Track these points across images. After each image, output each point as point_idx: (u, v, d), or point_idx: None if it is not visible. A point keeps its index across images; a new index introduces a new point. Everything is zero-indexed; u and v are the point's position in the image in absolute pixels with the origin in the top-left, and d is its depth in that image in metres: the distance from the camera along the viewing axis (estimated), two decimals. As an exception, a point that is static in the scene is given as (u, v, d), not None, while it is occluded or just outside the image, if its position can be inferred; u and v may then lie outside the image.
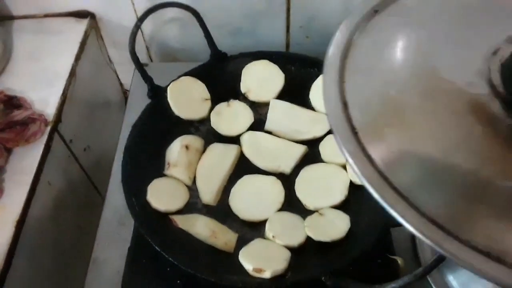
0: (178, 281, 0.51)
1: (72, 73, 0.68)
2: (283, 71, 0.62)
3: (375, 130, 0.31)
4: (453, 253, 0.26)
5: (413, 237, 0.54)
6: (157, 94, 0.58)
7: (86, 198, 0.73)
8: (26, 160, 0.59)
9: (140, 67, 0.57)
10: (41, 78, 0.67)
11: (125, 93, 0.89)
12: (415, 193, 0.28)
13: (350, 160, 0.30)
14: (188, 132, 0.60)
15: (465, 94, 0.31)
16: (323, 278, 0.44)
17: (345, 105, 0.32)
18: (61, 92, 0.66)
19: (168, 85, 0.59)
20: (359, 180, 0.30)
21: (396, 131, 0.31)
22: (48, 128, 0.61)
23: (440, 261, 0.36)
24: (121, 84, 0.88)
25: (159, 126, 0.58)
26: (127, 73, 0.85)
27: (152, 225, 0.48)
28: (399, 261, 0.52)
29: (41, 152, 0.59)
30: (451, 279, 0.51)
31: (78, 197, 0.70)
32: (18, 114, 0.60)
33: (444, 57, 0.34)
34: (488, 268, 0.26)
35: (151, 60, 0.82)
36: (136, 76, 0.74)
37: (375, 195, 0.28)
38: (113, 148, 0.82)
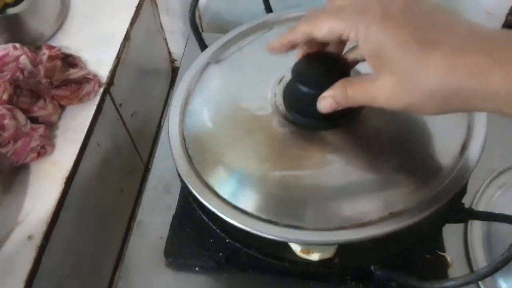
0: (221, 254, 0.51)
1: (127, 37, 0.68)
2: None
3: (202, 154, 0.43)
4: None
5: (465, 235, 0.52)
6: (213, 64, 0.57)
7: (129, 162, 0.73)
8: (78, 119, 0.59)
9: (198, 35, 0.56)
10: (96, 39, 0.67)
11: (172, 62, 0.89)
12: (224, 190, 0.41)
13: (186, 182, 0.42)
14: (240, 106, 0.59)
15: (256, 117, 0.43)
16: (372, 267, 0.43)
17: (184, 139, 0.45)
18: (115, 54, 0.66)
19: (225, 56, 0.58)
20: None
21: (214, 152, 0.43)
22: (101, 90, 0.62)
23: (507, 261, 0.34)
24: (169, 53, 0.88)
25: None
26: (176, 42, 0.85)
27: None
28: (448, 258, 0.50)
29: (93, 113, 0.59)
30: (501, 281, 0.49)
31: (122, 161, 0.71)
32: (74, 73, 0.60)
33: (246, 92, 0.46)
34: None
35: (202, 30, 0.81)
36: (189, 45, 0.74)
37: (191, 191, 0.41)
38: (156, 116, 0.82)
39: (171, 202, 0.55)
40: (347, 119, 0.41)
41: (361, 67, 0.41)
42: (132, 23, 0.70)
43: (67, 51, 0.64)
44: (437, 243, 0.51)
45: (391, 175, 0.39)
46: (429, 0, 0.31)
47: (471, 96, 0.27)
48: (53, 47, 0.61)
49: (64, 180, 0.54)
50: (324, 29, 0.32)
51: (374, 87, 0.31)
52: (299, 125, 0.41)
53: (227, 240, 0.48)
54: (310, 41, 0.34)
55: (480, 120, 0.43)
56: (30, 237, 0.50)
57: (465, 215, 0.44)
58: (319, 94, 0.36)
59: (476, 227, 0.52)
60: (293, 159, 0.40)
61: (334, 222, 0.37)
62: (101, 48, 0.66)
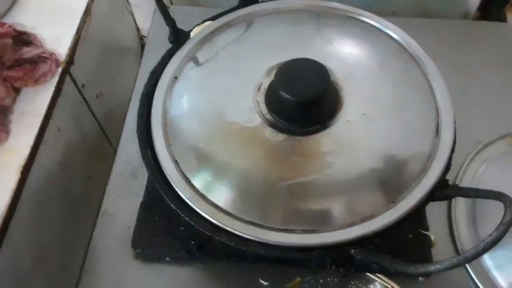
0: (192, 242, 0.47)
1: (87, 12, 0.63)
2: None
3: (200, 173, 0.42)
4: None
5: (449, 212, 0.50)
6: (179, 38, 0.53)
7: (96, 148, 0.69)
8: (35, 102, 0.55)
9: (162, 7, 0.51)
10: (54, 15, 0.62)
11: (141, 39, 0.84)
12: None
13: (186, 199, 0.41)
14: (209, 83, 0.55)
15: (247, 129, 0.43)
16: (352, 251, 0.40)
17: (176, 162, 0.43)
18: (74, 31, 0.61)
19: (192, 29, 0.53)
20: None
21: (211, 169, 0.42)
22: (60, 69, 0.57)
23: (496, 241, 0.32)
24: (138, 29, 0.82)
25: (179, 74, 0.54)
26: (145, 18, 0.80)
27: (167, 180, 0.44)
28: (432, 237, 0.48)
29: (51, 95, 0.55)
30: (486, 258, 0.47)
31: (89, 146, 0.66)
32: (28, 52, 0.55)
33: (227, 103, 0.45)
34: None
35: (171, 3, 0.76)
36: (155, 19, 0.69)
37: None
38: (126, 97, 0.77)
39: (139, 188, 0.52)
40: (331, 120, 0.43)
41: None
42: (92, -4, 0.65)
43: (22, 29, 0.59)
44: (420, 222, 0.49)
45: (384, 168, 0.42)
46: None
47: None
48: (4, 24, 0.56)
49: (20, 169, 0.50)
50: None
51: None
52: (291, 132, 0.42)
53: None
54: None
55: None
56: (-16, 232, 0.46)
57: (450, 192, 0.42)
58: (304, 101, 0.41)
59: (461, 204, 0.50)
60: (295, 166, 0.41)
61: (347, 218, 0.40)
62: (60, 25, 0.61)
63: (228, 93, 0.46)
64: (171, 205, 0.42)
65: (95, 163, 0.68)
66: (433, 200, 0.42)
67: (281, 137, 0.42)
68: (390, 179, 0.42)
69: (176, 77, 0.49)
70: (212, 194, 0.42)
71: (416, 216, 0.42)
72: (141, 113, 0.48)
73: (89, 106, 0.65)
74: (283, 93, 0.41)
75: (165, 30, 0.54)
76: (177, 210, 0.42)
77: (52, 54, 0.56)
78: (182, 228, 0.48)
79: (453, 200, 0.50)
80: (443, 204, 0.51)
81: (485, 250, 0.31)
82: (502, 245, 0.48)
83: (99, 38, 0.67)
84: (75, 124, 0.61)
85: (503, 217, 0.33)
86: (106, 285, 0.47)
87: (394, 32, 0.51)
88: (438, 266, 0.33)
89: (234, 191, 0.42)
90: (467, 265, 0.48)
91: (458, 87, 0.49)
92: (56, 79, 0.56)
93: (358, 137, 0.43)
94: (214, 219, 0.41)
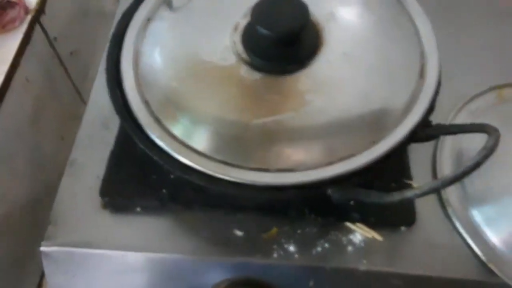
0: (164, 190, 0.45)
1: (60, -39, 0.60)
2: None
3: (171, 113, 0.40)
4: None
5: (433, 161, 0.48)
6: (154, -19, 0.50)
7: (70, 108, 0.66)
8: (3, 48, 0.52)
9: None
10: (25, -37, 0.59)
11: (121, 2, 0.81)
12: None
13: (155, 138, 0.39)
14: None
15: (221, 68, 0.41)
16: (328, 191, 0.38)
17: (146, 103, 0.41)
18: (46, -20, 0.58)
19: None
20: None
21: (182, 109, 0.40)
22: (29, 17, 0.54)
23: (477, 166, 0.30)
24: (117, -9, 0.79)
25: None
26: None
27: (137, 122, 0.42)
28: (415, 186, 0.46)
29: (19, 41, 0.52)
30: (475, 213, 0.45)
31: (62, 105, 0.64)
32: (-5, -3, 0.52)
33: (202, 43, 0.43)
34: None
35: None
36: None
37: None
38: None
39: (110, 138, 0.49)
40: (311, 60, 0.41)
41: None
42: None
43: (-10, -24, 0.56)
44: (403, 171, 0.47)
45: (366, 107, 0.40)
46: None
47: None
48: (-31, -32, 0.53)
49: (-16, 115, 0.47)
50: None
51: None
52: (268, 71, 0.40)
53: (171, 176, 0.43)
54: None
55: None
56: None
57: (433, 131, 0.40)
58: (282, 37, 0.39)
59: (446, 151, 0.48)
60: (270, 104, 0.39)
61: (324, 158, 0.38)
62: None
63: (202, 34, 0.44)
64: (139, 144, 0.40)
65: (69, 124, 0.65)
66: (416, 141, 0.40)
67: (257, 75, 0.40)
68: (371, 119, 0.40)
69: (149, 19, 0.47)
70: (183, 134, 0.39)
71: (398, 156, 0.40)
72: (111, 53, 0.45)
73: (62, 62, 0.62)
74: (260, 28, 0.39)
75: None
76: (145, 149, 0.39)
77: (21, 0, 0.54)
78: (154, 177, 0.46)
79: (438, 149, 0.48)
80: (427, 153, 0.48)
81: (465, 173, 0.29)
82: (491, 200, 0.46)
83: (74, -7, 0.64)
84: (46, 78, 0.59)
85: (486, 142, 0.31)
86: (73, 236, 0.44)
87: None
88: (416, 192, 0.31)
89: (206, 130, 0.39)
90: (455, 222, 0.45)
91: (446, 38, 0.47)
92: (25, 26, 0.53)
93: (339, 76, 0.41)
94: (184, 157, 0.38)
